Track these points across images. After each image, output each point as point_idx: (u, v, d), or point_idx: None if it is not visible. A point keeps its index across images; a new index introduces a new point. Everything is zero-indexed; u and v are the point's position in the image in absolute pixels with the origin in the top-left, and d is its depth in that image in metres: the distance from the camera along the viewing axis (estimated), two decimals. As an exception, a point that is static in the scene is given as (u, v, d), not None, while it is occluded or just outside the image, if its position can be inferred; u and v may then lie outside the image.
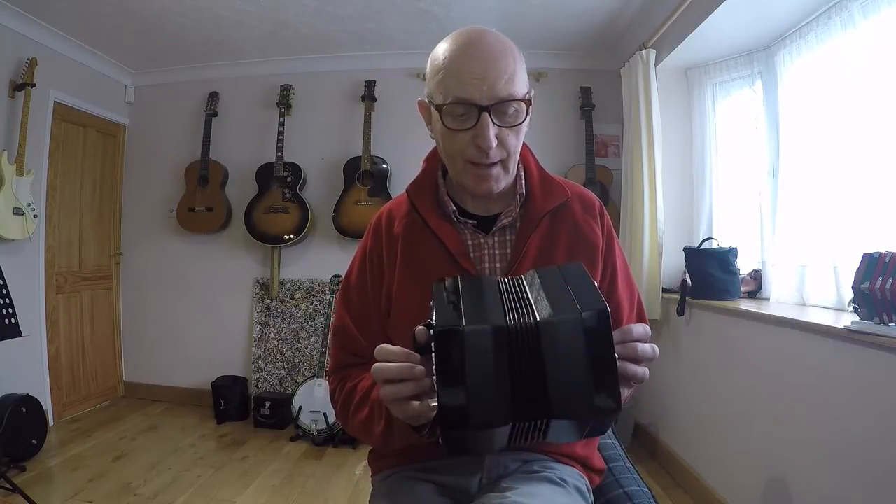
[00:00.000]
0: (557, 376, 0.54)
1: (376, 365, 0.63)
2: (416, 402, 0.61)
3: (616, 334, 0.62)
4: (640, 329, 0.64)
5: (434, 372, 0.55)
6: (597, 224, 0.88)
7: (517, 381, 0.54)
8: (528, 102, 0.77)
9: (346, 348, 0.91)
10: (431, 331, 0.57)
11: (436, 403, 0.56)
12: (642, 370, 0.64)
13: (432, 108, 0.79)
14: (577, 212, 0.88)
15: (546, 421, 0.55)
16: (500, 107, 0.74)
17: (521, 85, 0.76)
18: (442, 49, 0.78)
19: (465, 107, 0.74)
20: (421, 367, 0.61)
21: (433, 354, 0.55)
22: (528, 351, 0.54)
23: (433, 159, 0.93)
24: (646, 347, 0.63)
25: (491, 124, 0.74)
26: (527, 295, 0.60)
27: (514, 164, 0.83)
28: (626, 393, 0.63)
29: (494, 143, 0.75)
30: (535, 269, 0.65)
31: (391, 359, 0.62)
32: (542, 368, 0.54)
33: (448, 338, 0.54)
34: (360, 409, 0.82)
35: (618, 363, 0.59)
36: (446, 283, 0.62)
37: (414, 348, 0.63)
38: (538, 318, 0.55)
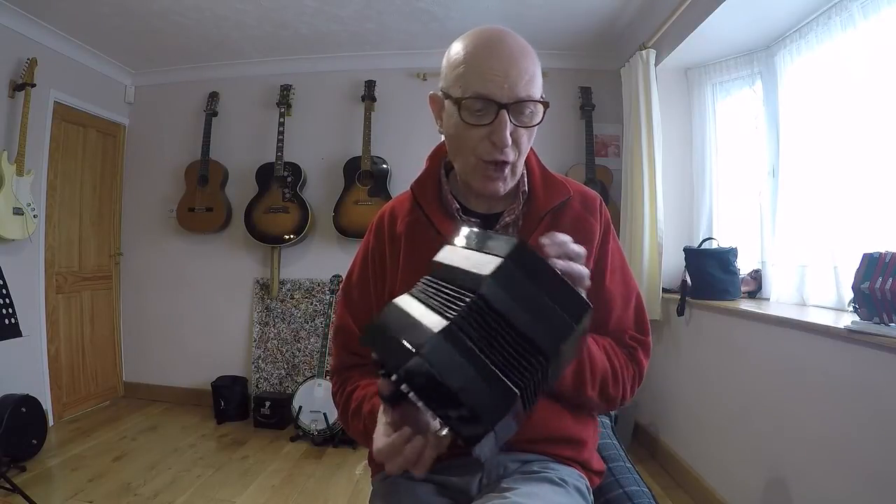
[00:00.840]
0: (524, 323, 0.52)
1: (376, 448, 0.63)
2: (428, 454, 0.60)
3: (542, 238, 0.63)
4: (555, 234, 0.64)
5: (422, 410, 0.53)
6: (595, 219, 0.89)
7: (498, 356, 0.51)
8: (546, 105, 0.78)
9: (348, 348, 0.92)
10: (392, 377, 0.55)
11: (445, 432, 0.54)
12: (584, 268, 0.63)
13: (447, 102, 0.79)
14: (577, 209, 0.89)
15: (545, 363, 0.53)
16: (518, 106, 0.75)
17: (538, 87, 0.77)
18: (462, 45, 0.78)
19: (485, 102, 0.74)
20: (420, 439, 0.59)
21: (411, 397, 0.52)
22: (485, 323, 0.51)
23: (436, 157, 0.93)
24: (574, 245, 0.64)
25: (508, 122, 0.74)
26: (442, 284, 0.57)
27: (521, 167, 0.83)
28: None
29: (509, 141, 0.76)
30: (433, 260, 0.63)
31: (395, 452, 0.60)
32: (508, 327, 0.52)
33: (412, 375, 0.50)
34: (355, 418, 0.83)
35: (565, 261, 0.60)
36: (372, 327, 0.60)
37: (387, 402, 0.61)
38: (469, 293, 0.52)
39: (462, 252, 0.59)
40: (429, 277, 0.61)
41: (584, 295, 0.55)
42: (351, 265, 0.96)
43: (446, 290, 0.55)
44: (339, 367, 0.93)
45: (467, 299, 0.52)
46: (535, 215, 0.86)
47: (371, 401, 0.80)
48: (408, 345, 0.51)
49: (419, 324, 0.53)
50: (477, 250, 0.57)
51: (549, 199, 0.87)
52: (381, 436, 0.64)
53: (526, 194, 0.88)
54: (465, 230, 0.63)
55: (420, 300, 0.58)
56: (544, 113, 0.78)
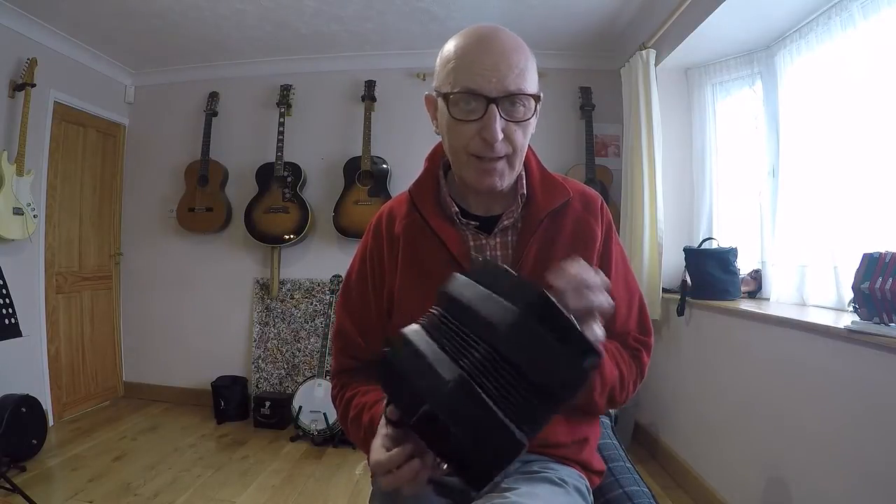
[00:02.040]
0: (539, 374, 0.52)
1: (373, 460, 0.63)
2: (423, 476, 0.60)
3: (556, 279, 0.62)
4: (572, 266, 0.63)
5: (427, 447, 0.53)
6: (596, 221, 0.88)
7: (510, 407, 0.52)
8: (538, 99, 0.76)
9: (347, 352, 0.91)
10: (390, 406, 0.56)
11: (446, 466, 0.55)
12: (603, 297, 0.62)
13: (439, 100, 0.78)
14: (577, 211, 0.88)
15: (557, 408, 0.54)
16: (508, 100, 0.73)
17: (531, 82, 0.75)
18: (454, 42, 0.77)
19: (474, 97, 0.73)
20: (418, 461, 0.60)
21: (425, 444, 0.52)
22: (499, 375, 0.52)
23: (435, 158, 0.92)
24: (590, 274, 0.62)
25: (498, 117, 0.73)
26: (458, 326, 0.57)
27: (519, 162, 0.81)
28: (599, 331, 0.61)
29: (500, 136, 0.74)
30: (443, 289, 0.62)
31: (391, 468, 0.61)
32: (521, 379, 0.52)
33: (423, 424, 0.51)
34: (354, 426, 0.82)
35: (583, 298, 0.60)
36: (384, 362, 0.60)
37: (392, 425, 0.62)
38: (486, 342, 0.52)
39: (477, 290, 0.58)
40: (443, 313, 0.60)
41: (593, 340, 0.55)
42: (350, 267, 0.95)
43: (461, 335, 0.55)
44: (339, 370, 0.92)
45: (482, 349, 0.52)
46: (535, 218, 0.84)
47: (371, 411, 0.79)
48: (420, 391, 0.52)
49: (432, 369, 0.53)
50: (493, 291, 0.56)
51: (549, 201, 0.85)
52: (380, 447, 0.63)
53: (525, 196, 0.87)
54: (479, 261, 0.62)
55: (433, 338, 0.57)
56: (537, 107, 0.77)
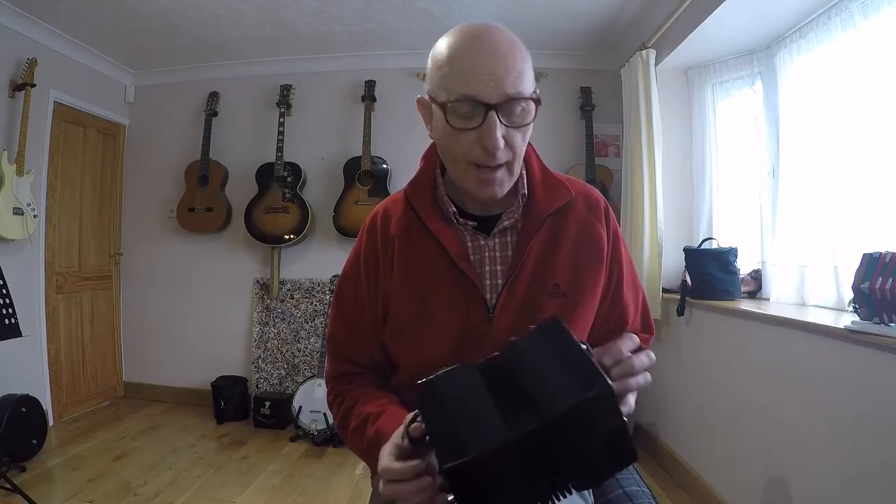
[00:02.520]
0: (572, 463, 0.54)
1: (382, 465, 0.62)
2: (427, 496, 0.59)
3: (607, 359, 0.62)
4: (629, 343, 0.64)
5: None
6: (601, 225, 0.85)
7: (540, 485, 0.53)
8: (537, 101, 0.72)
9: (342, 356, 0.89)
10: (415, 424, 0.58)
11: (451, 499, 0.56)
12: (643, 378, 0.64)
13: (434, 107, 0.75)
14: (581, 212, 0.85)
15: (570, 491, 0.56)
16: (507, 105, 0.70)
17: (528, 83, 0.71)
18: (445, 43, 0.73)
19: (471, 105, 0.69)
20: (428, 478, 0.59)
21: (449, 495, 0.53)
22: (539, 451, 0.53)
23: (431, 157, 0.88)
24: (641, 359, 0.63)
25: (498, 124, 0.69)
26: (518, 384, 0.56)
27: (518, 167, 0.78)
28: (632, 402, 0.64)
29: (502, 143, 0.70)
30: (514, 340, 0.61)
31: (400, 478, 0.60)
32: (555, 462, 0.53)
33: (456, 474, 0.51)
34: (356, 436, 0.80)
35: (620, 383, 0.60)
36: (425, 389, 0.60)
37: (409, 441, 0.61)
38: (541, 418, 0.52)
39: (546, 353, 0.58)
40: (511, 370, 0.59)
41: (635, 450, 0.56)
42: (343, 269, 0.92)
43: (518, 397, 0.55)
44: (334, 374, 0.90)
45: (533, 423, 0.52)
46: (536, 218, 0.82)
47: (376, 423, 0.76)
48: (462, 443, 0.52)
49: (480, 422, 0.54)
50: (561, 363, 0.56)
51: (551, 202, 0.83)
52: (389, 454, 0.62)
53: (526, 196, 0.84)
54: (557, 324, 0.61)
55: (489, 387, 0.57)
56: (537, 110, 0.73)
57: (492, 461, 0.51)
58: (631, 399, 0.64)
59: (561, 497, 0.55)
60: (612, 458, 0.54)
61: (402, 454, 0.61)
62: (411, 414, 0.63)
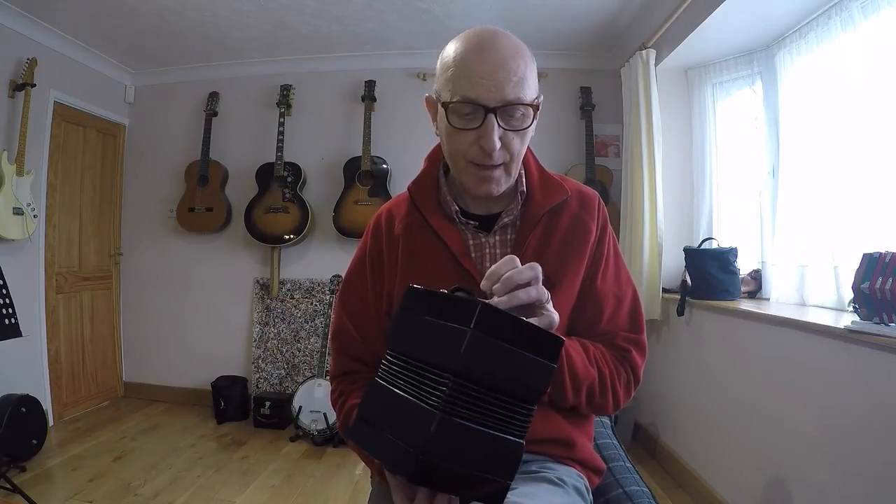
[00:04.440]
0: (508, 383, 0.53)
1: (395, 487, 0.63)
2: None
3: (485, 283, 0.63)
4: (507, 265, 0.63)
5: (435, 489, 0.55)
6: (591, 219, 0.88)
7: (493, 419, 0.53)
8: (536, 108, 0.76)
9: (346, 352, 0.91)
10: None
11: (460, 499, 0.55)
12: (535, 292, 0.63)
13: (439, 105, 0.78)
14: (574, 209, 0.88)
15: (535, 405, 0.56)
16: (506, 109, 0.73)
17: (530, 89, 0.75)
18: (453, 47, 0.77)
19: (472, 106, 0.73)
20: (442, 498, 0.60)
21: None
22: (471, 397, 0.52)
23: (435, 158, 0.92)
24: (523, 272, 0.62)
25: (496, 126, 0.73)
26: (417, 364, 0.56)
27: (516, 168, 0.82)
28: (554, 315, 0.65)
29: (498, 145, 0.74)
30: (390, 334, 0.61)
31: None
32: (493, 392, 0.53)
33: (423, 474, 0.51)
34: None
35: (510, 297, 0.60)
36: (350, 433, 0.62)
37: (394, 476, 0.63)
38: (449, 371, 0.52)
39: (426, 323, 0.57)
40: (400, 357, 0.59)
41: (554, 321, 0.56)
42: (349, 267, 0.95)
43: (422, 374, 0.55)
44: (338, 371, 0.91)
45: (447, 381, 0.52)
46: (533, 216, 0.85)
47: None
48: (406, 444, 0.52)
49: (409, 418, 0.53)
50: (438, 318, 0.56)
51: (547, 200, 0.86)
52: (399, 486, 0.64)
53: (524, 195, 0.87)
54: (411, 291, 0.61)
55: (397, 387, 0.57)
56: (535, 116, 0.77)
57: (441, 442, 0.50)
58: (547, 313, 0.64)
59: (520, 409, 0.54)
60: (531, 351, 0.54)
61: (406, 488, 0.62)
62: None
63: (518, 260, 0.64)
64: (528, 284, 0.62)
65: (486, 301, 0.55)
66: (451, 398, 0.51)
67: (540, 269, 0.64)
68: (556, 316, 0.65)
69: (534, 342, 0.54)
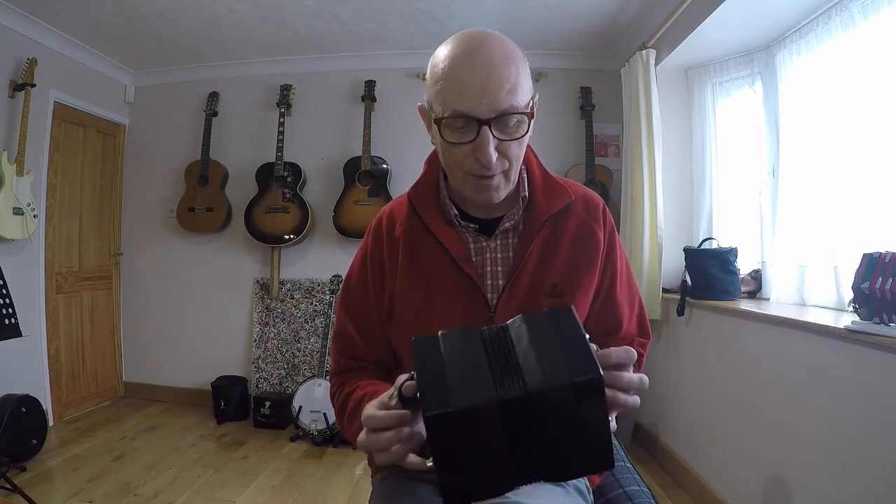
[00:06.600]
0: (552, 446, 0.54)
1: (366, 413, 0.63)
2: (411, 457, 0.60)
3: (604, 361, 0.61)
4: (622, 353, 0.62)
5: (425, 438, 0.55)
6: (599, 226, 0.87)
7: (519, 453, 0.53)
8: (531, 115, 0.74)
9: (347, 352, 0.91)
10: (408, 383, 0.58)
11: (431, 464, 0.55)
12: (632, 399, 0.62)
13: (432, 120, 0.77)
14: (579, 214, 0.87)
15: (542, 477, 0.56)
16: (500, 119, 0.71)
17: (523, 94, 0.73)
18: (441, 55, 0.75)
19: (465, 120, 0.71)
20: (408, 429, 0.60)
21: (426, 436, 0.54)
22: (521, 421, 0.53)
23: (434, 161, 0.91)
24: (632, 378, 0.62)
25: (491, 138, 0.71)
26: (514, 355, 0.57)
27: (515, 174, 0.80)
28: (612, 422, 0.62)
29: (495, 156, 0.73)
30: (523, 315, 0.60)
31: (381, 426, 0.61)
32: (535, 439, 0.53)
33: (439, 423, 0.52)
34: (352, 419, 0.81)
35: (609, 392, 0.59)
36: (426, 342, 0.59)
37: (400, 399, 0.62)
38: (528, 387, 0.53)
39: (549, 335, 0.57)
40: (509, 336, 0.59)
41: (612, 456, 0.57)
42: (350, 268, 0.95)
43: (512, 367, 0.55)
44: (338, 370, 0.92)
45: (519, 391, 0.53)
46: (536, 221, 0.84)
47: (371, 399, 0.79)
48: (449, 394, 0.53)
49: (471, 380, 0.54)
50: (561, 347, 0.56)
51: (551, 205, 0.85)
52: (373, 405, 0.63)
53: (526, 199, 0.86)
54: (565, 309, 0.60)
55: (486, 353, 0.58)
56: (530, 123, 0.75)
57: (475, 417, 0.52)
58: (612, 418, 0.62)
59: (532, 481, 0.55)
60: (589, 457, 0.54)
61: (386, 409, 0.62)
62: (405, 375, 0.62)
63: (634, 354, 0.63)
64: (629, 391, 0.62)
65: (604, 379, 0.54)
66: (510, 401, 0.52)
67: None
68: (615, 424, 0.64)
69: (595, 449, 0.55)
